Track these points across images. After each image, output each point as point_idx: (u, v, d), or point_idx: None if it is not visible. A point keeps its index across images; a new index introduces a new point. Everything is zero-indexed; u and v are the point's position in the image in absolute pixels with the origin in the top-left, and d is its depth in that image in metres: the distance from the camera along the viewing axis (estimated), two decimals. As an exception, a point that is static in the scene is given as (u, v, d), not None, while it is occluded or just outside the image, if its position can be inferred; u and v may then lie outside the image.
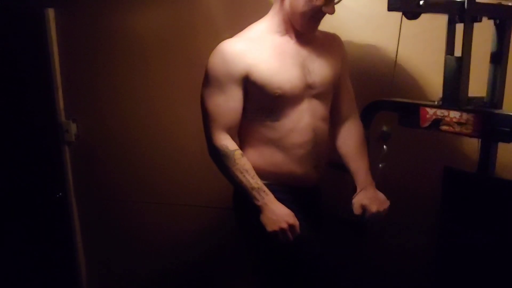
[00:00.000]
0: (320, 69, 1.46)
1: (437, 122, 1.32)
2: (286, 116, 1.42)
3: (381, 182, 1.51)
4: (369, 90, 1.68)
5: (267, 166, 1.47)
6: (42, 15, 2.13)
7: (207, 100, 1.41)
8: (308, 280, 1.42)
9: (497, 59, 1.39)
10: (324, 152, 1.54)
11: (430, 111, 1.33)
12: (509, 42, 1.38)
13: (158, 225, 2.27)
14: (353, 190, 1.51)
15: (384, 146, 1.48)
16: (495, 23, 1.38)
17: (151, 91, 2.11)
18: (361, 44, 1.78)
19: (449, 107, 1.30)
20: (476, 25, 1.31)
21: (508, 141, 1.24)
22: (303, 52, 1.44)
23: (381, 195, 1.49)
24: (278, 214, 1.36)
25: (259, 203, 1.37)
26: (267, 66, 1.37)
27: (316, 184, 1.59)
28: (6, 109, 2.05)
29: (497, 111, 1.30)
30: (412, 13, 1.31)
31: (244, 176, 1.38)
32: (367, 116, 1.62)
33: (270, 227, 1.35)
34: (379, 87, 1.63)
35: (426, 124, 1.35)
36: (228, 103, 1.39)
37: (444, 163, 1.53)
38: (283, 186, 1.48)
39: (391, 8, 1.26)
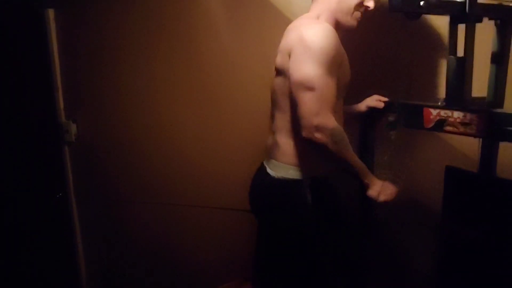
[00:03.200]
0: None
1: (441, 122, 1.32)
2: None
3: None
4: (372, 92, 1.68)
5: (312, 156, 1.42)
6: (42, 15, 2.12)
7: (319, 80, 1.30)
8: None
9: (498, 59, 1.41)
10: None
11: (434, 112, 1.33)
12: (509, 42, 1.40)
13: (158, 225, 2.27)
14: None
15: (392, 134, 1.53)
16: (496, 24, 1.40)
17: (151, 91, 2.11)
18: (362, 45, 1.78)
19: (453, 108, 1.31)
20: (477, 25, 1.32)
21: (512, 141, 1.24)
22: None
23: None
24: (386, 185, 1.45)
25: (367, 180, 1.42)
26: (345, 56, 1.43)
27: None
28: (6, 109, 2.03)
29: (501, 111, 1.30)
30: (413, 14, 1.32)
31: (355, 156, 1.39)
32: (372, 118, 1.63)
33: (385, 196, 1.43)
34: (382, 88, 1.64)
35: (430, 125, 1.35)
36: (334, 85, 1.34)
37: (446, 162, 1.54)
38: (321, 180, 1.51)
39: (392, 9, 1.26)
